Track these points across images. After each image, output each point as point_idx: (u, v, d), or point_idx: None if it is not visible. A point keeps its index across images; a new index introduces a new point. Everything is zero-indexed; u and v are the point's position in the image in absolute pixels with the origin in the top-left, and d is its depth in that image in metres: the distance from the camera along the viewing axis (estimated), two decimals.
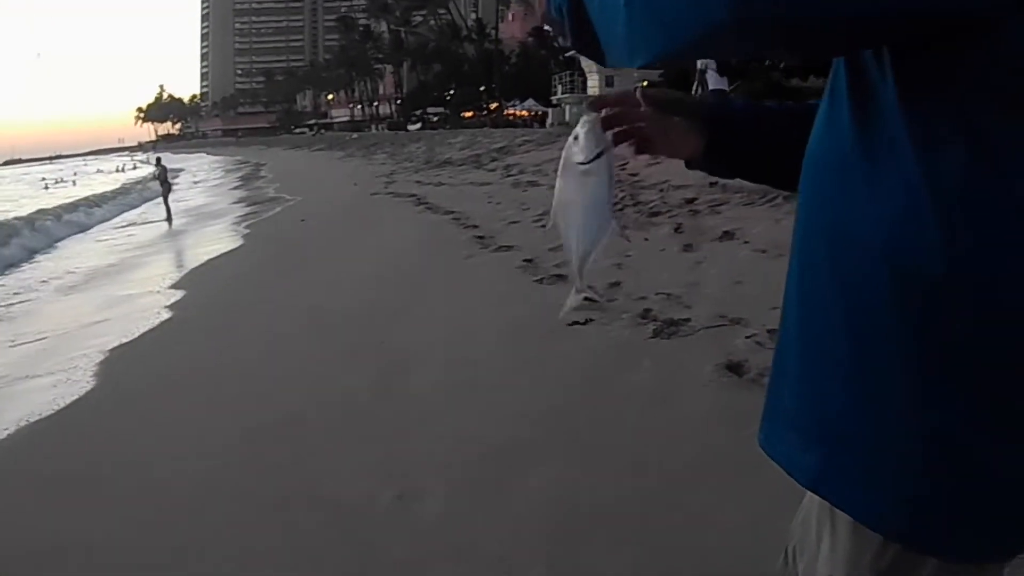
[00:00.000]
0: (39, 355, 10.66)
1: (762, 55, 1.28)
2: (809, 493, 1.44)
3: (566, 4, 1.45)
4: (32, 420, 7.50)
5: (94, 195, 42.58)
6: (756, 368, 6.10)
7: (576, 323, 7.72)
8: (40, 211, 33.11)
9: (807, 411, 1.36)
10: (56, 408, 7.76)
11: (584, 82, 73.59)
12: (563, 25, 1.49)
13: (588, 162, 1.61)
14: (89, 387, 8.36)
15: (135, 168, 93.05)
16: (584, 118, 1.65)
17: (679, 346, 6.96)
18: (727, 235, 10.95)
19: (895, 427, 1.25)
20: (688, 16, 1.14)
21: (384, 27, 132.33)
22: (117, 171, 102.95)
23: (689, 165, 1.84)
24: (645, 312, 7.79)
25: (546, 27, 1.72)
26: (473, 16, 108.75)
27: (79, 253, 22.92)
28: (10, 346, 11.54)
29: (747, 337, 6.78)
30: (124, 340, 10.18)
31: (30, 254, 21.86)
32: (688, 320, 7.47)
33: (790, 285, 1.42)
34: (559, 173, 1.67)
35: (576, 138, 1.63)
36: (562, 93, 76.15)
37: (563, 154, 1.65)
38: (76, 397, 8.04)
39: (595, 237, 1.66)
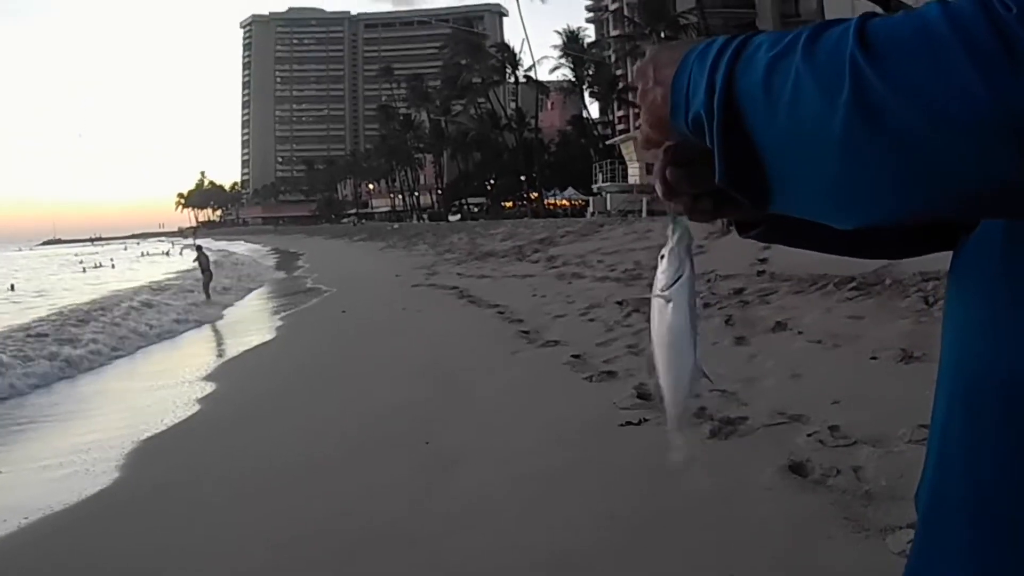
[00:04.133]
0: (66, 439, 10.67)
1: None
2: None
3: (711, 115, 1.03)
4: (55, 510, 7.40)
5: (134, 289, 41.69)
6: (820, 469, 5.90)
7: (629, 423, 7.55)
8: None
9: None
10: (77, 500, 7.67)
11: (625, 170, 74.04)
12: (698, 144, 1.09)
13: (667, 288, 1.31)
14: (112, 479, 8.27)
15: (181, 254, 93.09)
16: (672, 231, 1.33)
17: (738, 447, 6.72)
18: (779, 326, 10.75)
19: None
20: (967, 165, 0.81)
21: (424, 116, 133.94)
22: (164, 255, 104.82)
23: (741, 230, 1.46)
24: (700, 411, 7.56)
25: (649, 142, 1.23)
26: (512, 105, 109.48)
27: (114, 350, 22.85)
28: (39, 429, 11.62)
29: (809, 435, 6.56)
30: (150, 434, 10.07)
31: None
32: (746, 419, 7.22)
33: (942, 431, 1.17)
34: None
35: (662, 257, 1.33)
36: (603, 181, 76.55)
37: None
38: (99, 489, 7.96)
39: (678, 379, 1.33)
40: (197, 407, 11.51)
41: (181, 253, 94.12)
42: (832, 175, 0.92)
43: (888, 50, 0.83)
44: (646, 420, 7.59)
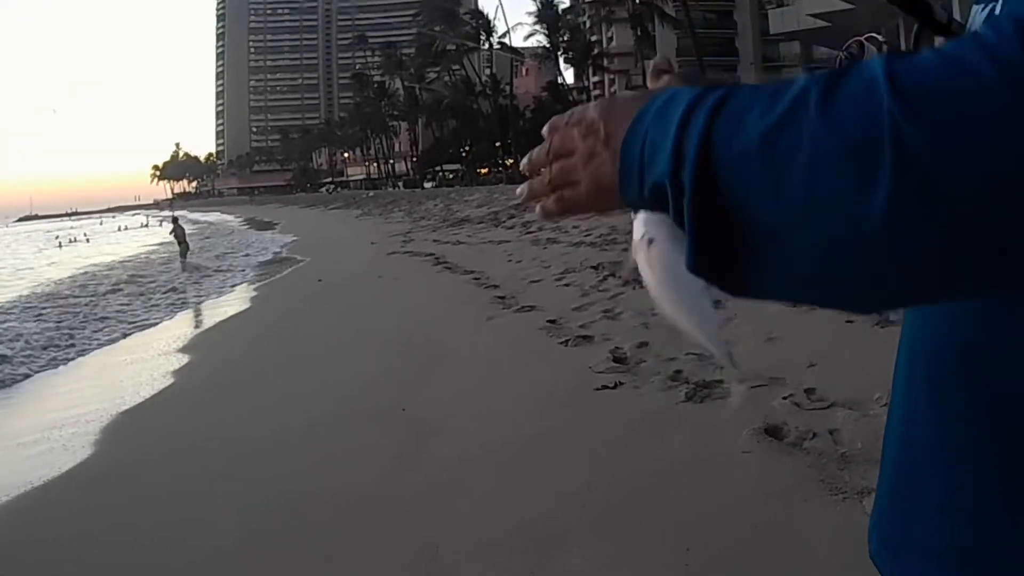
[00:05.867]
0: (41, 416, 10.59)
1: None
2: None
3: (679, 188, 0.84)
4: (34, 486, 7.34)
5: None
6: (796, 432, 5.87)
7: (605, 387, 7.52)
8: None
9: (961, 550, 1.05)
10: (56, 475, 7.61)
11: None
12: (663, 216, 0.92)
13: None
14: (90, 454, 8.21)
15: (160, 225, 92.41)
16: None
17: (714, 410, 6.69)
18: None
19: None
20: None
21: (399, 84, 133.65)
22: (143, 227, 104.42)
23: None
24: (676, 374, 7.54)
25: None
26: (487, 71, 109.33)
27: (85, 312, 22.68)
28: (13, 405, 11.63)
29: (784, 398, 6.54)
30: (126, 408, 9.97)
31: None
32: (721, 382, 7.20)
33: (905, 391, 1.14)
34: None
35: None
36: None
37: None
38: (73, 464, 7.89)
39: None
40: (172, 380, 11.40)
41: (161, 224, 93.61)
42: (861, 261, 0.75)
43: (928, 102, 0.70)
44: (621, 384, 7.57)
